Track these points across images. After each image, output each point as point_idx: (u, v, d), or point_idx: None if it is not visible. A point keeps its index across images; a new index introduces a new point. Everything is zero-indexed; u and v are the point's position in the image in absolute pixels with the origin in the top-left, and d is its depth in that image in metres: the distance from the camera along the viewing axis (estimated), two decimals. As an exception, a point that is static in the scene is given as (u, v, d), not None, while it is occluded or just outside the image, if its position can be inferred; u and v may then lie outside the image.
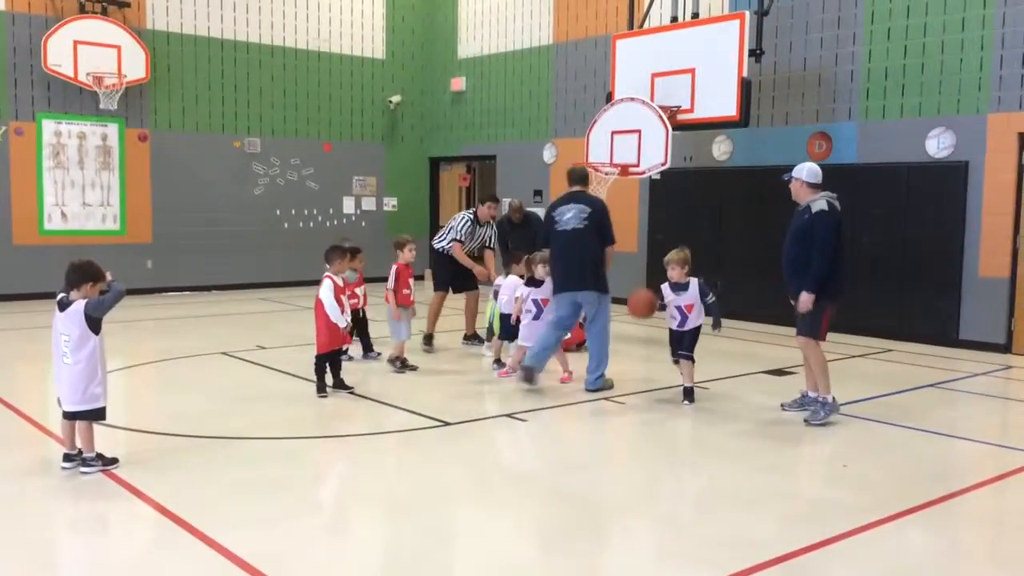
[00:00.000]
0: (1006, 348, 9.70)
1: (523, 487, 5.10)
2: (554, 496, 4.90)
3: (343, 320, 6.95)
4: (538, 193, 14.45)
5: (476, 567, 3.98)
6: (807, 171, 6.53)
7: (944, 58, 10.03)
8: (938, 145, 10.08)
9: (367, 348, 8.64)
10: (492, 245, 9.65)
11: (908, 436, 6.20)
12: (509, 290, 8.22)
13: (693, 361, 6.98)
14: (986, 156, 9.75)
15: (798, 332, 6.51)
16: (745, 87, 10.08)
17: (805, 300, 6.31)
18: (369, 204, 16.20)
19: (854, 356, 9.28)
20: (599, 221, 7.32)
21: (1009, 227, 9.65)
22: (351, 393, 7.05)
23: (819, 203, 6.34)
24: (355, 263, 8.30)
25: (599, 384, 7.28)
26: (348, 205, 15.94)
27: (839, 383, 6.64)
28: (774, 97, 11.44)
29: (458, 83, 16.09)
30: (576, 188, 7.63)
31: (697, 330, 6.95)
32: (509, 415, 6.59)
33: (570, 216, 7.36)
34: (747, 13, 10.19)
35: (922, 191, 10.16)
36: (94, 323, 4.91)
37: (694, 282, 6.92)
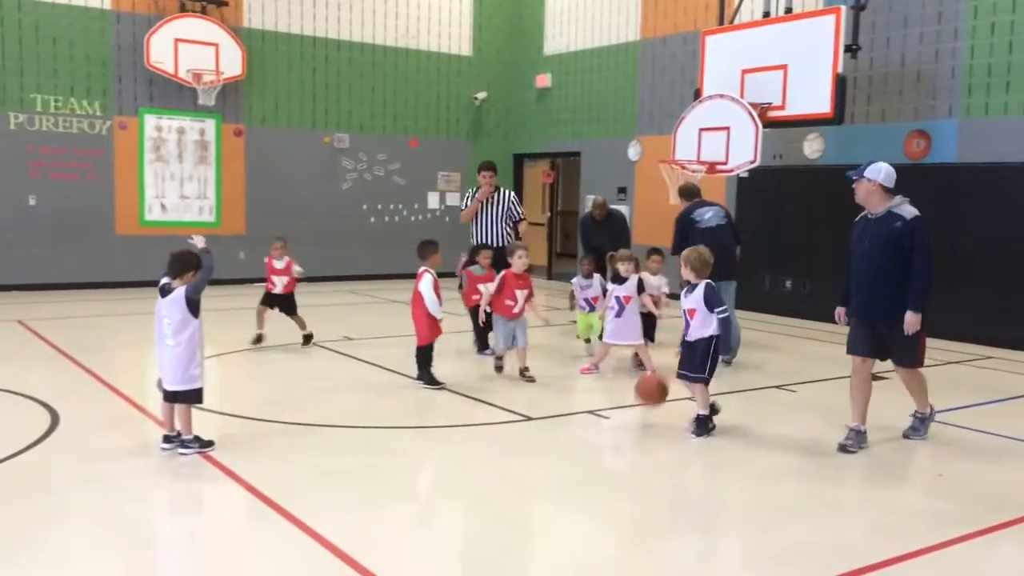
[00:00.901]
0: (1116, 358, 9.22)
1: (604, 484, 5.10)
2: (635, 494, 4.88)
3: (440, 312, 7.07)
4: (622, 190, 14.37)
5: (555, 562, 4.00)
6: (885, 173, 5.72)
7: (1053, 53, 9.58)
8: (1045, 144, 9.64)
9: (483, 346, 8.54)
10: (523, 216, 9.31)
11: (1007, 447, 5.97)
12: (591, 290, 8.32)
13: (702, 383, 5.95)
14: (1097, 156, 9.28)
15: (900, 363, 5.80)
16: (840, 83, 9.82)
17: (913, 321, 5.51)
18: (453, 199, 16.35)
19: (952, 362, 8.97)
20: (731, 220, 8.70)
21: (1121, 231, 9.16)
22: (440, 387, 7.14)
23: (908, 208, 5.67)
24: (483, 259, 8.28)
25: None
26: (432, 200, 16.13)
27: (936, 391, 6.41)
28: (870, 94, 11.11)
29: (543, 80, 16.11)
30: (697, 199, 8.69)
31: (708, 344, 5.94)
32: (592, 412, 6.59)
33: (711, 215, 8.42)
34: (843, 8, 9.92)
35: (1026, 192, 9.74)
36: (194, 306, 5.15)
37: (702, 285, 5.98)
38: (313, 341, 8.90)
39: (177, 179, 13.72)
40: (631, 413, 6.61)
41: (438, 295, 7.07)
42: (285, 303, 8.89)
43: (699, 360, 5.94)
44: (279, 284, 8.80)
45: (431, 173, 16.11)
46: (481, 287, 7.87)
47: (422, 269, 7.15)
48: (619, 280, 7.71)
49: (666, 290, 8.27)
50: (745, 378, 7.90)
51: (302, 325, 8.89)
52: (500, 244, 8.93)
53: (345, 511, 4.43)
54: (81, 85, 12.89)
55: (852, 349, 5.84)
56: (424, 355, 7.18)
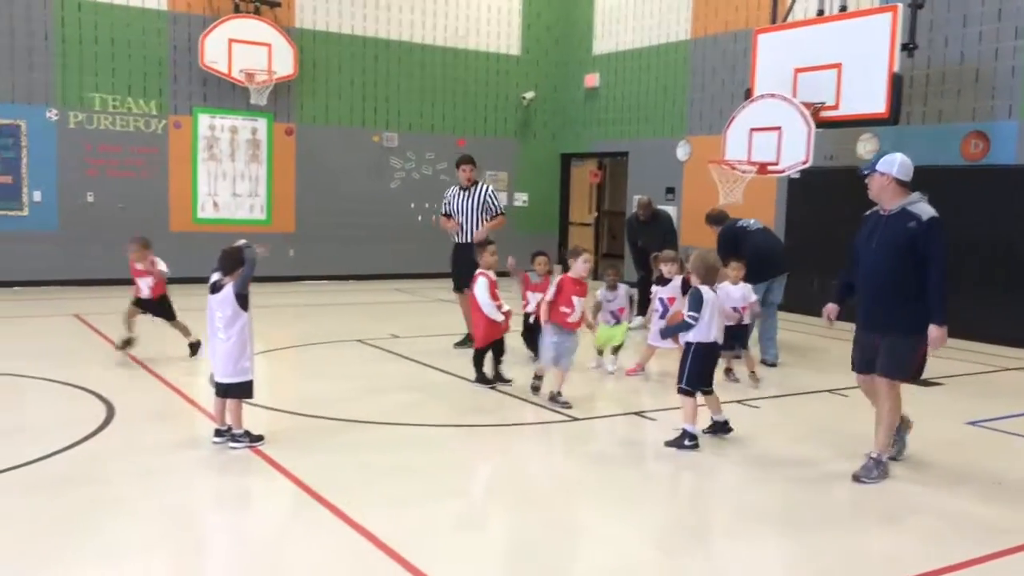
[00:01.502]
0: None
1: (648, 486, 5.06)
2: (680, 496, 4.84)
3: (499, 315, 7.03)
4: (671, 191, 14.26)
5: (600, 563, 3.98)
6: (899, 165, 5.01)
7: (1121, 52, 9.28)
8: (1111, 146, 9.35)
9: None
10: (501, 211, 9.00)
11: (1068, 457, 5.79)
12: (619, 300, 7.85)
13: (681, 393, 5.62)
14: None
15: (886, 373, 4.99)
16: (896, 83, 9.63)
17: (939, 336, 4.84)
18: (500, 199, 16.34)
19: (1009, 368, 8.74)
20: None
21: None
22: (507, 385, 7.12)
23: (924, 207, 4.98)
24: (539, 265, 7.71)
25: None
26: (480, 200, 16.15)
27: (993, 397, 6.24)
28: (926, 93, 10.87)
29: (592, 79, 16.05)
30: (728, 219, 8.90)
31: (686, 352, 5.60)
32: (638, 413, 6.55)
33: (753, 222, 8.78)
34: (900, 6, 9.72)
35: (1090, 195, 9.44)
36: (243, 300, 5.24)
37: (677, 280, 6.18)
38: (200, 350, 7.76)
39: (229, 177, 13.95)
40: (677, 415, 6.56)
41: (495, 296, 7.06)
42: (157, 308, 8.03)
43: (680, 369, 5.63)
44: (144, 287, 7.99)
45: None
46: (531, 295, 7.56)
47: (478, 272, 7.16)
48: (663, 282, 7.66)
49: (754, 298, 7.64)
50: (795, 381, 7.78)
51: (185, 332, 7.96)
52: (471, 240, 8.60)
53: (392, 507, 4.46)
54: (138, 85, 13.17)
55: (855, 366, 5.27)
56: (480, 356, 7.20)
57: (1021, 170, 9.95)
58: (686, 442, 5.53)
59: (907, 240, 4.91)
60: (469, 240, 8.66)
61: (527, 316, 7.75)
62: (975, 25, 10.42)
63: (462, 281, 8.43)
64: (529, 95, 16.35)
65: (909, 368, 5.02)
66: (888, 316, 4.97)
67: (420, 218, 15.57)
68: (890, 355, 4.95)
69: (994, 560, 4.01)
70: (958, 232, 10.19)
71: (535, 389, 6.86)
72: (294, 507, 4.51)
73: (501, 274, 7.38)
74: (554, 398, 6.58)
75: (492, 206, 8.87)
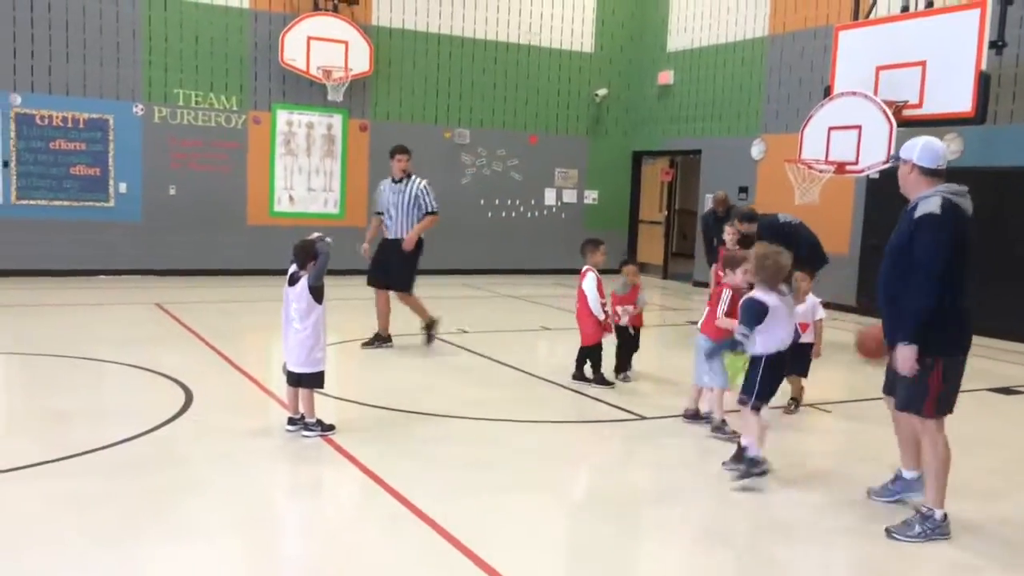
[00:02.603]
0: None
1: (712, 488, 4.99)
2: (744, 500, 4.76)
3: (602, 312, 7.03)
4: (743, 190, 14.03)
5: (662, 566, 3.95)
6: (920, 150, 4.24)
7: None
8: None
9: (621, 368, 7.43)
10: (432, 209, 8.37)
11: None
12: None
13: (754, 410, 4.97)
14: None
15: (900, 406, 4.37)
16: (983, 81, 9.30)
17: (903, 355, 4.13)
18: (570, 196, 16.36)
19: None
20: None
21: None
22: (609, 387, 7.04)
23: (931, 201, 4.14)
24: (629, 274, 7.29)
25: None
26: (549, 197, 16.17)
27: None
28: (1015, 92, 10.47)
29: (666, 76, 15.89)
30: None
31: (764, 363, 4.92)
32: (707, 414, 6.46)
33: (791, 216, 8.61)
34: (989, 2, 9.38)
35: None
36: (316, 293, 5.35)
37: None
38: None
39: (305, 172, 14.24)
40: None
41: (601, 294, 7.05)
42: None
43: (747, 381, 4.99)
44: None
45: (548, 169, 16.14)
46: (620, 309, 7.19)
47: (585, 268, 7.14)
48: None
49: (822, 314, 6.55)
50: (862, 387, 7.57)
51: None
52: (402, 237, 8.26)
53: (459, 499, 4.51)
54: (220, 81, 13.53)
55: (884, 386, 4.65)
56: (591, 355, 7.15)
57: (1117, 172, 9.53)
58: (754, 470, 4.85)
59: (903, 238, 4.23)
60: (399, 236, 8.27)
61: (620, 330, 7.31)
62: (1070, 21, 10.00)
63: (382, 277, 8.25)
64: (602, 92, 16.26)
65: (920, 398, 4.18)
66: (892, 331, 4.27)
67: (490, 214, 15.65)
68: (900, 381, 4.29)
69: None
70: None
71: (719, 429, 5.84)
72: (363, 496, 4.59)
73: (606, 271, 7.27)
74: (721, 428, 5.87)
75: (424, 203, 8.32)
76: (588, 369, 7.18)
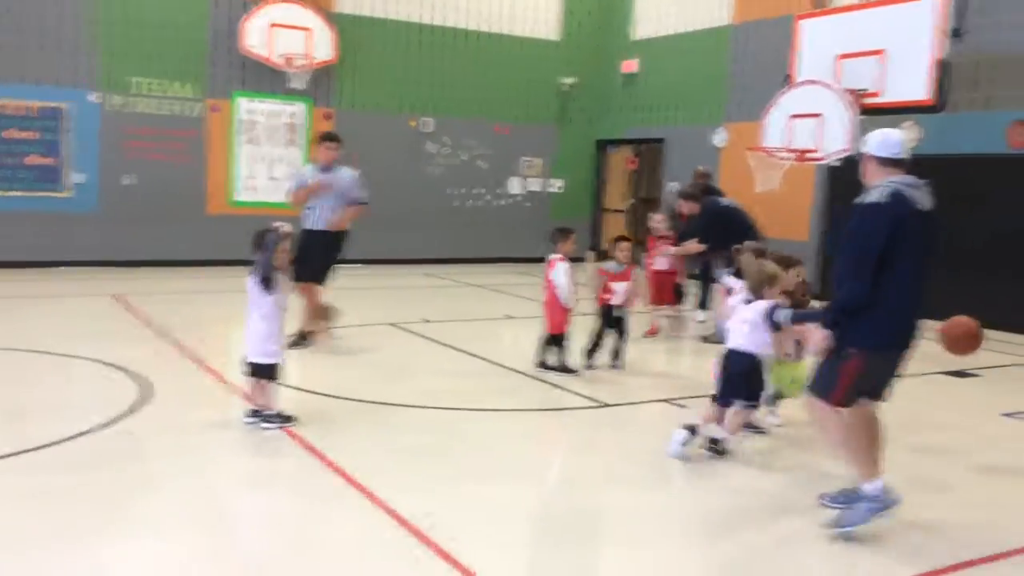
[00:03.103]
0: None
1: (674, 472, 5.01)
2: (705, 481, 4.79)
3: (573, 301, 7.04)
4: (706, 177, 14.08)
5: (628, 549, 3.96)
6: (876, 141, 4.22)
7: None
8: None
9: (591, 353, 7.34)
10: (363, 199, 8.01)
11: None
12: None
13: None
14: None
15: (809, 384, 4.34)
16: (942, 70, 9.41)
17: (814, 338, 4.23)
18: (535, 185, 16.33)
19: (1051, 364, 8.54)
20: None
21: None
22: (572, 375, 7.05)
23: (877, 191, 4.10)
24: (621, 252, 7.22)
25: None
26: (515, 185, 16.13)
27: (1014, 393, 6.07)
28: (973, 81, 10.60)
29: (631, 65, 15.90)
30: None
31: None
32: (668, 400, 6.50)
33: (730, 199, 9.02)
34: (948, -10, 9.49)
35: None
36: (266, 283, 5.29)
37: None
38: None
39: (266, 161, 14.06)
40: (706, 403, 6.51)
41: (571, 284, 7.06)
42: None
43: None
44: None
45: (514, 158, 16.10)
46: (615, 285, 7.13)
47: (555, 257, 7.12)
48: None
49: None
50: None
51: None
52: (322, 227, 7.77)
53: (422, 489, 4.48)
54: (177, 68, 13.28)
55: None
56: (557, 343, 7.14)
57: (1070, 160, 9.70)
58: (716, 448, 5.14)
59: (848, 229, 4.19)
60: (323, 227, 7.75)
61: (610, 308, 7.21)
62: (1025, 10, 10.15)
63: (308, 271, 7.44)
64: (568, 81, 16.24)
65: (828, 385, 4.12)
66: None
67: (455, 203, 15.58)
68: (817, 371, 4.25)
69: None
70: (1001, 221, 10.04)
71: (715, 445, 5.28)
72: (325, 488, 4.54)
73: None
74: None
75: (355, 193, 7.89)
76: (552, 357, 7.18)
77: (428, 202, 15.27)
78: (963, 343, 4.83)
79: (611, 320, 7.27)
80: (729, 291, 6.06)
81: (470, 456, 5.13)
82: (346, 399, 6.13)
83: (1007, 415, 6.47)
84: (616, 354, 7.36)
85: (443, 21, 15.18)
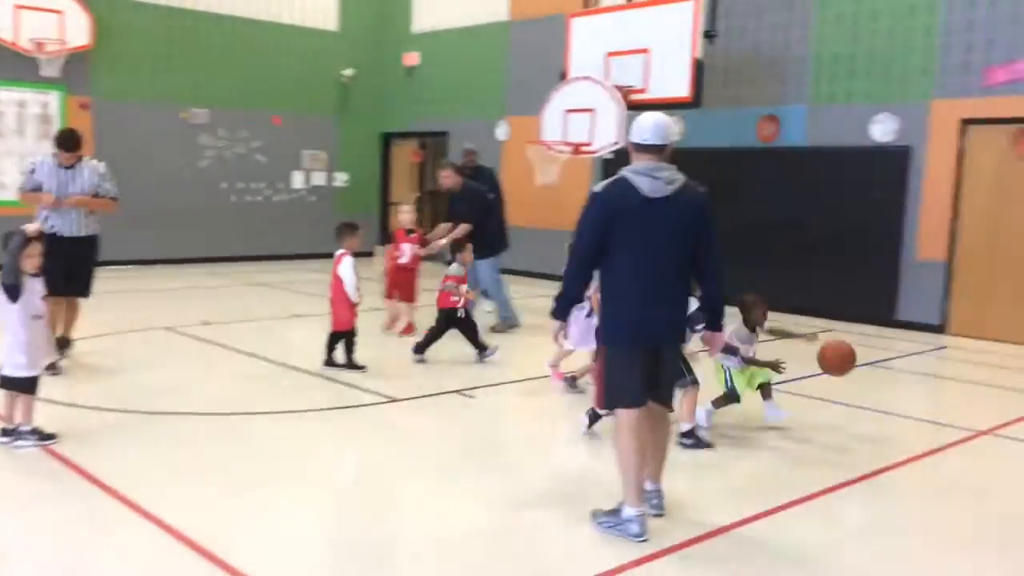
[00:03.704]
0: (940, 329, 9.98)
1: (470, 461, 5.11)
2: (502, 469, 4.92)
3: (358, 296, 6.97)
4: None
5: (423, 538, 4.00)
6: (635, 127, 4.07)
7: (891, 44, 10.21)
8: (882, 130, 10.29)
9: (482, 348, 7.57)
10: (115, 195, 7.20)
11: (846, 413, 6.36)
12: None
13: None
14: (928, 142, 9.98)
15: None
16: (698, 69, 10.14)
17: (551, 328, 4.30)
18: (319, 179, 16.00)
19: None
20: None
21: (947, 212, 9.91)
22: (360, 372, 6.99)
23: (603, 181, 4.06)
24: (468, 254, 7.60)
25: None
26: (297, 180, 15.72)
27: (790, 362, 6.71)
28: (726, 79, 11.53)
29: (412, 58, 15.92)
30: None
31: None
32: (459, 392, 6.60)
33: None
34: (701, -6, 10.24)
35: (866, 175, 10.37)
36: (8, 291, 4.88)
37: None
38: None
39: (16, 155, 12.82)
40: (496, 392, 6.68)
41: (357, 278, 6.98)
42: None
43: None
44: None
45: (296, 152, 15.67)
46: (463, 289, 7.35)
47: (341, 252, 7.02)
48: None
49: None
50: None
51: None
52: (83, 232, 6.92)
53: (204, 502, 4.28)
54: (-96, 51, 11.83)
55: None
56: (345, 340, 7.04)
57: (809, 152, 10.80)
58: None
59: None
60: (80, 232, 6.90)
61: (450, 314, 7.39)
62: (769, 15, 11.16)
63: (65, 283, 6.51)
64: (348, 72, 16.01)
65: (599, 390, 4.12)
66: None
67: (233, 198, 14.95)
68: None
69: (786, 510, 4.33)
70: (754, 209, 11.00)
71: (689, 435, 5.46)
72: (94, 510, 4.21)
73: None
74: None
75: (105, 188, 7.05)
76: (339, 354, 7.09)
77: (205, 198, 14.55)
78: (840, 366, 5.49)
79: (458, 321, 7.42)
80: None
81: (256, 463, 4.94)
82: (115, 411, 5.74)
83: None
84: (483, 349, 7.54)
85: (212, 7, 14.48)
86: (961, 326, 9.91)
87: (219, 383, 6.69)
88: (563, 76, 11.42)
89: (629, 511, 3.97)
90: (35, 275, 5.04)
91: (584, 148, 10.63)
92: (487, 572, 3.70)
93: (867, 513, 4.58)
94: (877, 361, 8.26)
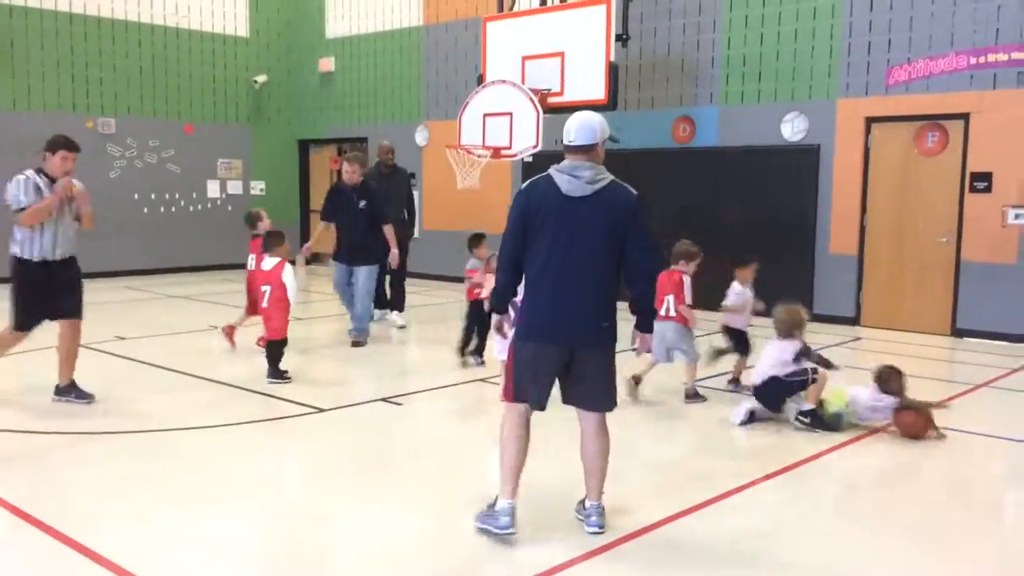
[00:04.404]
0: (855, 321, 10.35)
1: (400, 467, 5.08)
2: (434, 474, 4.90)
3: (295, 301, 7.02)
4: (412, 176, 14.30)
5: (357, 548, 3.95)
6: (565, 127, 4.05)
7: (797, 45, 10.55)
8: (792, 129, 10.62)
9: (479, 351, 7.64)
10: (20, 207, 6.49)
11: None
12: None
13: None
14: (835, 140, 10.34)
15: None
16: (612, 71, 10.28)
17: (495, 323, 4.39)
18: (235, 188, 15.66)
19: (714, 333, 9.66)
20: None
21: (856, 207, 10.28)
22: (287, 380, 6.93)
23: (532, 179, 4.16)
24: (481, 251, 7.50)
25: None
26: (213, 189, 15.37)
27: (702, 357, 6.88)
28: (640, 82, 11.72)
29: (327, 63, 15.73)
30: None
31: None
32: (385, 399, 6.55)
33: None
34: (613, -2, 10.38)
35: (778, 173, 10.68)
36: None
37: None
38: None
39: (-90, 170, 12.19)
40: (424, 398, 6.65)
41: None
42: None
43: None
44: None
45: (210, 160, 15.32)
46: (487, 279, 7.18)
47: (278, 261, 6.93)
48: None
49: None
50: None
51: None
52: (71, 254, 6.80)
53: (126, 524, 4.13)
54: None
55: None
56: (278, 349, 6.95)
57: (722, 151, 11.06)
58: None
59: None
60: (69, 254, 6.77)
61: (477, 307, 7.39)
62: (679, 18, 11.39)
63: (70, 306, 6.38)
64: (261, 79, 15.73)
65: (507, 382, 4.25)
66: None
67: (146, 210, 14.54)
68: None
69: (723, 499, 4.43)
70: (672, 209, 11.21)
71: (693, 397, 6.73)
72: (8, 538, 4.05)
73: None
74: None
75: (14, 198, 6.48)
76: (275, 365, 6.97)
77: (116, 210, 14.06)
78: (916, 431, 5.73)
79: (483, 315, 7.29)
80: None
81: (172, 479, 4.80)
82: (25, 432, 5.51)
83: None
84: (480, 348, 7.57)
85: (116, 14, 14.04)
86: (873, 317, 10.29)
87: (142, 398, 6.48)
88: (481, 80, 11.44)
89: (502, 503, 3.97)
90: None
91: (504, 151, 10.66)
92: (422, 580, 3.67)
93: (789, 499, 4.71)
94: (794, 353, 8.49)
